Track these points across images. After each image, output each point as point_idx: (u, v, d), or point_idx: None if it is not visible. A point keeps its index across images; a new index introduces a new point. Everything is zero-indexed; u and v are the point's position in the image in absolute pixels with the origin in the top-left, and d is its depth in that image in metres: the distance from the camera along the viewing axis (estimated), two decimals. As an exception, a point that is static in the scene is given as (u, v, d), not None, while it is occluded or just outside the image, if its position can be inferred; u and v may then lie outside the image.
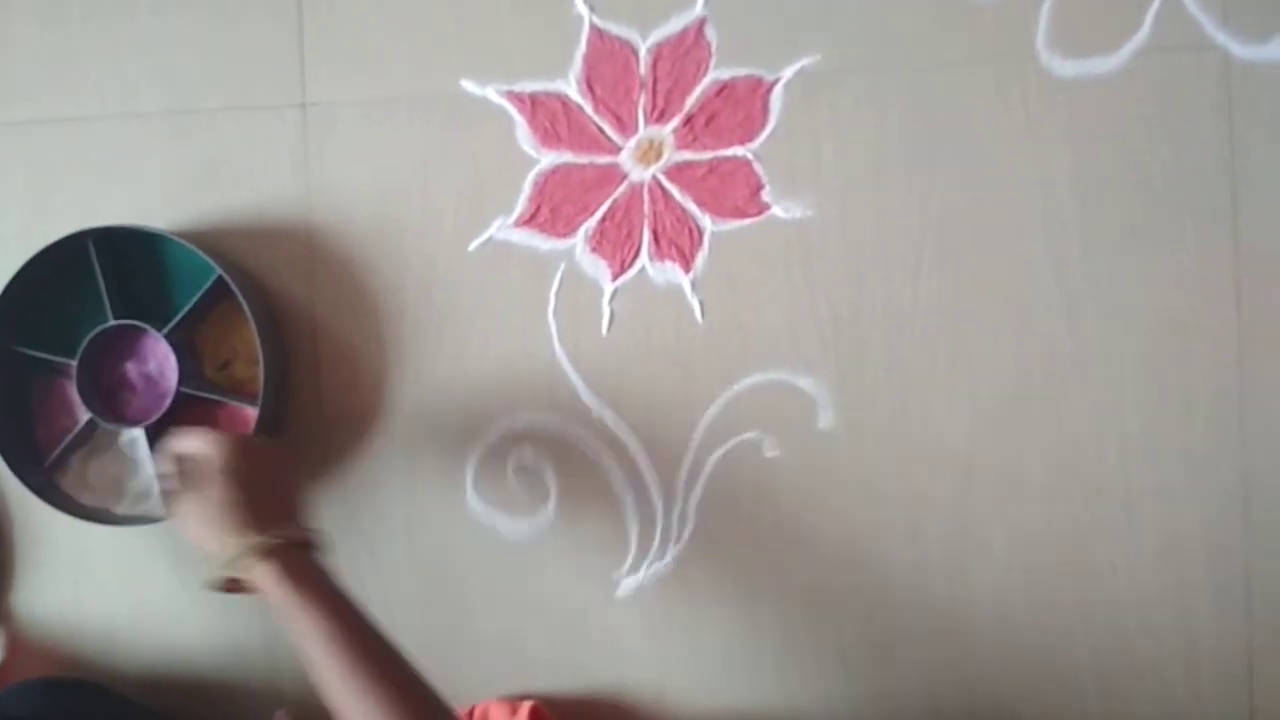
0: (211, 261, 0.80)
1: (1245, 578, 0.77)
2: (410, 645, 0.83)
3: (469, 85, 0.83)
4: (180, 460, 0.72)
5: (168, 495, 0.72)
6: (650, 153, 0.82)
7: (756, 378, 0.82)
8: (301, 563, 0.66)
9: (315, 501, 0.85)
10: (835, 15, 0.80)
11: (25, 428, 0.86)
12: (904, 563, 0.80)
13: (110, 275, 0.82)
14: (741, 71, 0.81)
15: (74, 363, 0.82)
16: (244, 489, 0.68)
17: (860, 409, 0.81)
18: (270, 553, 0.65)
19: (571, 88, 0.82)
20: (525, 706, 0.80)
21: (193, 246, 0.80)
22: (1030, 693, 0.80)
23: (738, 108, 0.81)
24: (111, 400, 0.85)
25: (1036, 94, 0.79)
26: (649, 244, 0.82)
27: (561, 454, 0.83)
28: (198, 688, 0.87)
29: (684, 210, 0.82)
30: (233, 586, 0.67)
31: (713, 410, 0.82)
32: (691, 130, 0.81)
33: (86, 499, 0.85)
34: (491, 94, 0.83)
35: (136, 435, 0.84)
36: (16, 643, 0.87)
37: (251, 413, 0.82)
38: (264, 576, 0.65)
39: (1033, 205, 0.79)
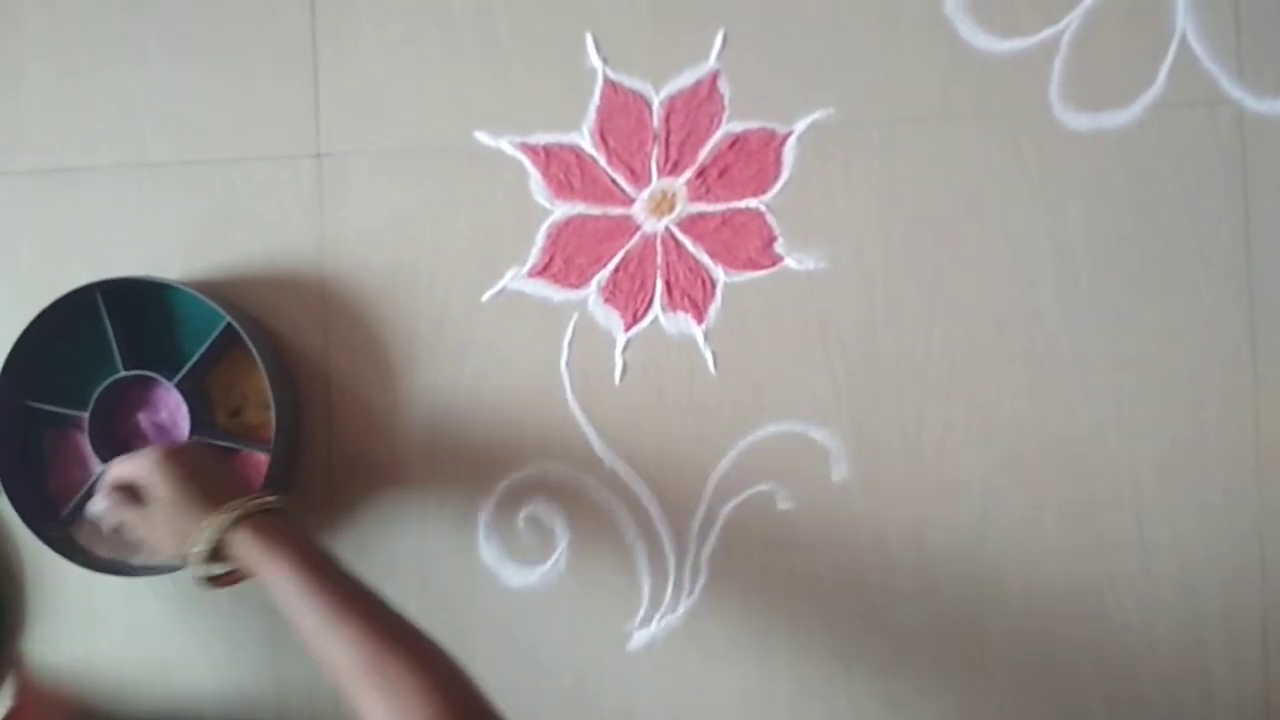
0: (219, 309, 0.80)
1: (1262, 633, 0.77)
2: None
3: (483, 137, 0.83)
4: (121, 490, 0.72)
5: (120, 529, 0.73)
6: (663, 204, 0.82)
7: (770, 429, 0.81)
8: (271, 525, 0.67)
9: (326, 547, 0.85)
10: (848, 68, 0.80)
11: (39, 481, 0.86)
12: (919, 615, 0.80)
13: (120, 326, 0.83)
14: (754, 124, 0.81)
15: (86, 415, 0.82)
16: (184, 482, 0.69)
17: (874, 461, 0.80)
18: (236, 524, 0.66)
19: (585, 140, 0.83)
20: None
21: (201, 295, 0.81)
22: (1045, 745, 0.80)
23: (751, 160, 0.81)
24: (124, 451, 0.83)
25: (1049, 147, 0.79)
26: (662, 295, 0.82)
27: (573, 505, 0.83)
28: (208, 737, 0.87)
29: (697, 261, 0.82)
30: (225, 579, 0.68)
31: (726, 462, 0.82)
32: (704, 182, 0.81)
33: (102, 551, 0.85)
34: (505, 145, 0.83)
35: (149, 485, 0.84)
36: (27, 689, 0.87)
37: (264, 459, 0.81)
38: (239, 547, 0.66)
39: (1045, 258, 0.79)
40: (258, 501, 0.69)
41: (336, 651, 0.61)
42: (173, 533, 0.69)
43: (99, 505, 0.73)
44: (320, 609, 0.62)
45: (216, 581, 0.69)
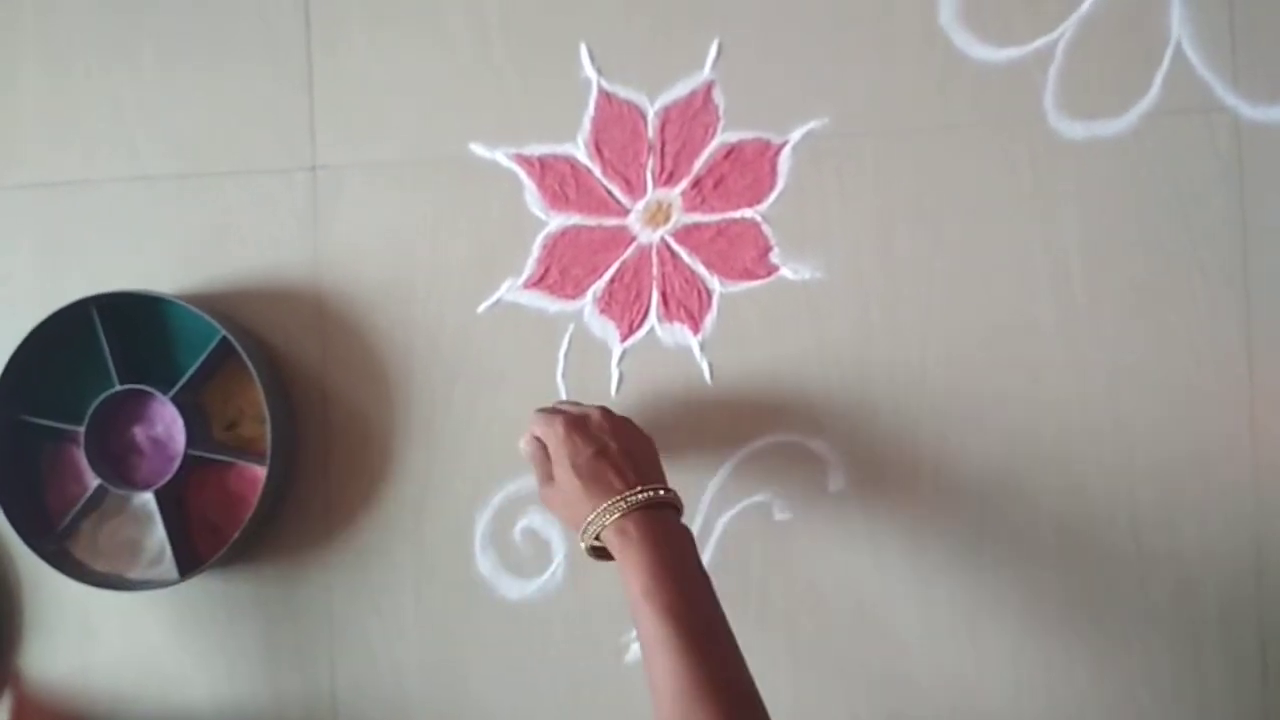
0: (214, 322, 0.80)
1: (1259, 643, 0.77)
2: (419, 706, 0.85)
3: (478, 148, 0.83)
4: (538, 443, 0.73)
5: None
6: (659, 215, 0.82)
7: (766, 439, 0.81)
8: (640, 520, 0.67)
9: (323, 560, 0.85)
10: (843, 78, 0.80)
11: (35, 496, 0.86)
12: (916, 627, 0.80)
13: (115, 340, 0.82)
14: (749, 134, 0.81)
15: (82, 429, 0.82)
16: (580, 469, 0.69)
17: (871, 471, 0.80)
18: (613, 524, 0.67)
19: (580, 151, 0.82)
20: None
21: (196, 309, 0.81)
22: (1044, 755, 0.80)
23: (746, 170, 0.81)
24: (120, 465, 0.85)
25: (1044, 156, 0.79)
26: (658, 306, 0.82)
27: (570, 516, 0.83)
28: (205, 750, 0.87)
29: (693, 272, 0.82)
30: (604, 555, 0.69)
31: (722, 472, 0.82)
32: (700, 192, 0.81)
33: (99, 565, 0.85)
34: (500, 157, 0.83)
35: (147, 499, 0.84)
36: (24, 704, 0.87)
37: (260, 472, 0.81)
38: (608, 536, 0.67)
39: (1041, 268, 0.79)
40: (641, 497, 0.68)
41: (656, 669, 0.62)
42: (565, 513, 0.71)
43: (524, 448, 0.74)
44: (654, 622, 0.63)
45: (599, 554, 0.70)
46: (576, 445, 0.70)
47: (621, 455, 0.70)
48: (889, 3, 0.79)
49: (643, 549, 0.65)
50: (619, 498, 0.67)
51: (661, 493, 0.69)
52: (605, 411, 0.74)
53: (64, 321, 0.81)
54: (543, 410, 0.75)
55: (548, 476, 0.72)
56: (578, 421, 0.72)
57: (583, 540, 0.69)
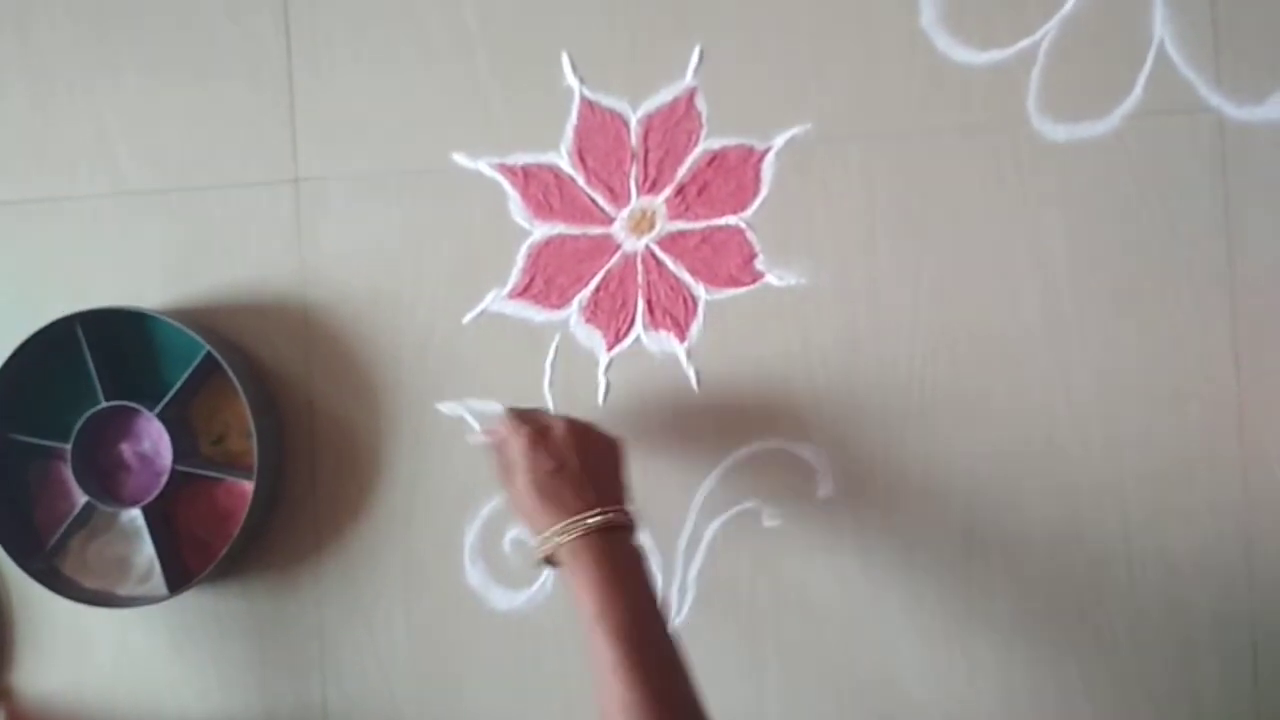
0: (199, 337, 0.80)
1: (1250, 645, 0.77)
2: (410, 717, 0.85)
3: (461, 159, 0.83)
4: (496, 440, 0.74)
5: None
6: (643, 223, 0.82)
7: (754, 446, 0.81)
8: (593, 546, 0.67)
9: (313, 573, 0.85)
10: (825, 83, 0.80)
11: (23, 514, 0.86)
12: (906, 633, 0.80)
13: (100, 356, 0.82)
14: (732, 141, 0.81)
15: (68, 446, 0.82)
16: (537, 485, 0.69)
17: (859, 477, 0.80)
18: (567, 542, 0.67)
19: (563, 159, 0.82)
20: None
21: (179, 324, 0.80)
22: (1036, 759, 0.80)
23: (729, 177, 0.81)
24: (108, 481, 0.85)
25: (1028, 158, 0.78)
26: (643, 314, 0.82)
27: (559, 526, 0.83)
28: (199, 765, 0.87)
29: (678, 280, 0.82)
30: (554, 563, 0.69)
31: (710, 480, 0.81)
32: (684, 200, 0.81)
33: (89, 582, 0.85)
34: (483, 167, 0.83)
35: (135, 515, 0.84)
36: (16, 721, 0.87)
37: (248, 486, 0.81)
38: (563, 556, 0.67)
39: (1026, 270, 0.78)
40: (595, 521, 0.68)
41: (605, 693, 0.62)
42: (524, 520, 0.72)
43: (479, 440, 0.78)
44: (605, 646, 0.63)
45: (549, 563, 0.69)
46: (538, 459, 0.70)
47: (581, 473, 0.70)
48: (870, 7, 0.79)
49: (595, 573, 0.65)
50: (573, 519, 0.67)
51: (616, 515, 0.68)
52: (570, 425, 0.73)
53: (48, 339, 0.81)
54: (514, 412, 0.74)
55: (506, 474, 0.72)
56: (542, 434, 0.71)
57: (536, 554, 0.69)
